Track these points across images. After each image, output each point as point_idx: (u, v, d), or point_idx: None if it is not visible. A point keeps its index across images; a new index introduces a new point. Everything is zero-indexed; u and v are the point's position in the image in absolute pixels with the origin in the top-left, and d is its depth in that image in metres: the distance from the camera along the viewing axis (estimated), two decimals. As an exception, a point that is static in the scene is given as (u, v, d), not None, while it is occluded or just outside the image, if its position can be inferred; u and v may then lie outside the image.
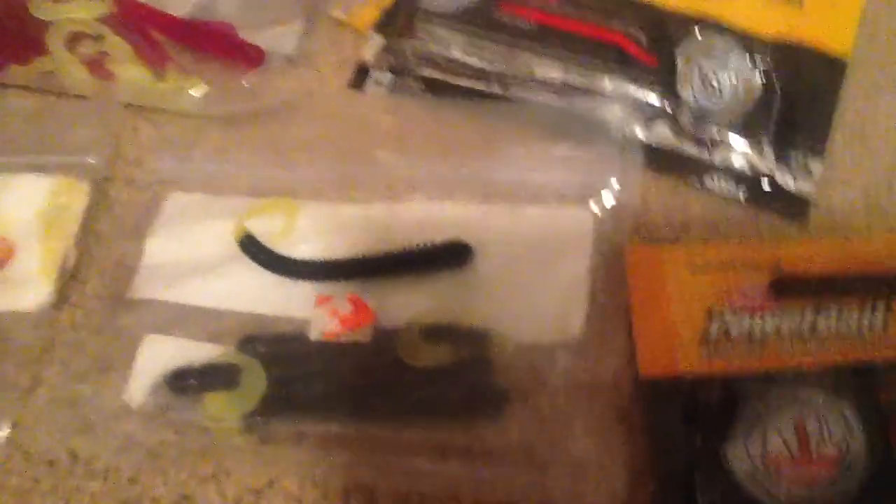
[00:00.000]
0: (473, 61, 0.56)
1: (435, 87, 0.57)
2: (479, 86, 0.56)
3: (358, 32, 0.61)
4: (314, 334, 0.47)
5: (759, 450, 0.42)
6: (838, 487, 0.41)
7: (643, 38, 0.56)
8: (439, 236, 0.49)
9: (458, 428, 0.44)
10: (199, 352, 0.47)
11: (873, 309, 0.45)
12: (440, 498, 0.44)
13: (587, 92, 0.54)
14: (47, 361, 0.48)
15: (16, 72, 0.59)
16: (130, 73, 0.58)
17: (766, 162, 0.52)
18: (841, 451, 0.41)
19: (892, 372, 0.44)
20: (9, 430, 0.46)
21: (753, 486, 0.41)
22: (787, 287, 0.47)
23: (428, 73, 0.58)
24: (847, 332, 0.45)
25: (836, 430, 0.42)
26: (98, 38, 0.59)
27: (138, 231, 0.52)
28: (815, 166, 0.52)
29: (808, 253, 0.48)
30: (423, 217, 0.52)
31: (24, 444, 0.46)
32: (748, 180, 0.52)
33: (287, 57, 0.60)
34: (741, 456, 0.42)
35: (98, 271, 0.51)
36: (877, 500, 0.41)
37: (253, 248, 0.50)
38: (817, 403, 0.42)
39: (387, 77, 0.59)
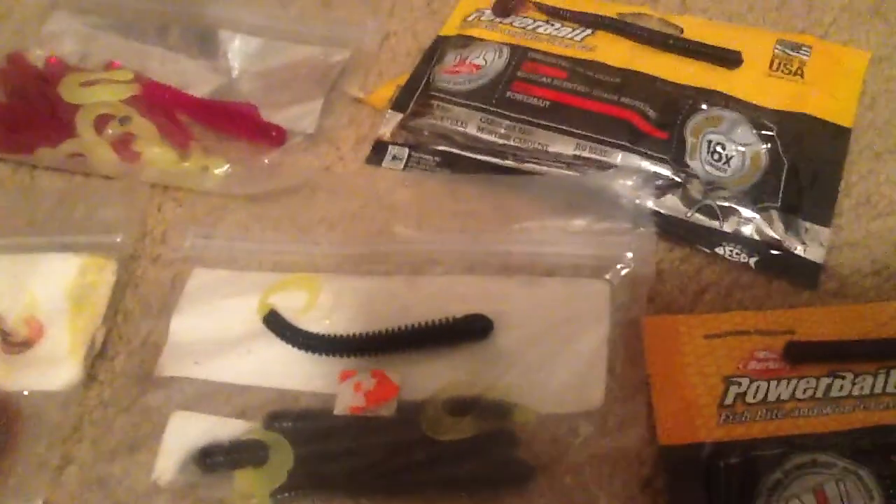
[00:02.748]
0: (488, 137, 0.58)
1: (451, 162, 0.59)
2: (494, 160, 0.58)
3: (375, 110, 0.63)
4: (339, 409, 0.47)
5: (781, 519, 0.42)
6: (861, 556, 0.41)
7: (652, 113, 0.57)
8: (459, 310, 0.50)
9: (483, 502, 0.45)
10: (226, 428, 0.47)
11: (887, 373, 0.46)
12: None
13: (600, 165, 0.55)
14: (77, 440, 0.48)
15: (45, 154, 0.61)
16: (155, 153, 0.60)
17: (776, 229, 0.53)
18: (861, 517, 0.41)
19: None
20: (40, 511, 0.46)
21: (776, 555, 0.41)
22: (802, 352, 0.47)
23: (444, 148, 0.59)
24: (862, 396, 0.45)
25: (855, 496, 0.42)
26: (124, 119, 0.60)
27: (164, 308, 0.53)
28: (824, 232, 0.53)
29: (821, 319, 0.49)
30: (443, 291, 0.53)
31: (55, 526, 0.46)
32: (759, 248, 0.53)
33: (307, 135, 0.61)
34: (763, 525, 0.42)
35: (126, 349, 0.52)
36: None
37: (277, 323, 0.51)
38: (836, 469, 0.43)
39: (404, 153, 0.60)
